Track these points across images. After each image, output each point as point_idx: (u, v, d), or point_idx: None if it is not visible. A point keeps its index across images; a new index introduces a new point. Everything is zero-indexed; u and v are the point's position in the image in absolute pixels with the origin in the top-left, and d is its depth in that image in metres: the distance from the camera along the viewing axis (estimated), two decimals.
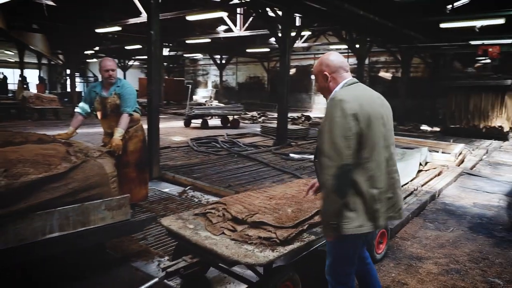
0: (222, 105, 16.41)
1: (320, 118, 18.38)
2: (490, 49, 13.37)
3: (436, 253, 3.91)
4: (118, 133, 4.06)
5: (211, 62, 26.78)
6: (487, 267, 3.67)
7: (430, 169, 7.47)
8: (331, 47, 18.77)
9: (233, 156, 8.25)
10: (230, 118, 14.76)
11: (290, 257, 2.83)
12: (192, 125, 14.24)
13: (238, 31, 15.68)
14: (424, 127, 15.44)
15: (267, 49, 20.87)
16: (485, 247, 4.13)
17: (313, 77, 24.24)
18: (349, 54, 14.44)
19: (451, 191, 6.34)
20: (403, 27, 11.99)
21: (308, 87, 24.56)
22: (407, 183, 6.31)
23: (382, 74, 21.41)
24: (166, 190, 5.79)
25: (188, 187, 5.88)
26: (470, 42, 14.12)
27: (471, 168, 8.08)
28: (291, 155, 8.51)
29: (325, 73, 2.22)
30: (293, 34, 9.88)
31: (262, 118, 17.03)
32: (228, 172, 6.78)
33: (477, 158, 9.33)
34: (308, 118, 16.11)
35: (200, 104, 18.97)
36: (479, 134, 13.55)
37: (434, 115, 19.19)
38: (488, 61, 16.01)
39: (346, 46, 18.21)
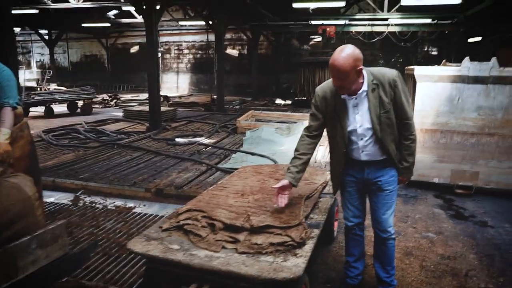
0: (64, 88, 14.04)
1: (180, 97, 17.79)
2: (328, 29, 15.07)
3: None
4: (4, 134, 2.90)
5: (35, 38, 22.57)
6: (414, 223, 4.12)
7: None
8: (182, 23, 18.07)
9: (112, 148, 7.14)
10: (79, 103, 12.82)
11: None
12: (31, 114, 11.81)
13: (76, 2, 13.52)
14: (278, 100, 16.53)
15: (107, 24, 18.69)
16: (400, 206, 4.62)
17: (159, 56, 23.12)
18: (208, 31, 14.10)
19: None
20: (259, 4, 12.33)
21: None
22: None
23: (229, 51, 21.86)
24: (51, 199, 4.59)
25: (80, 192, 4.80)
26: (311, 22, 15.56)
27: None
28: (177, 139, 7.90)
29: (360, 67, 2.26)
30: (157, 7, 9.02)
31: (115, 101, 15.37)
32: (119, 167, 5.82)
33: None
34: (167, 98, 15.29)
35: (33, 88, 15.85)
36: None
37: (279, 89, 20.80)
38: (319, 39, 18.02)
39: (195, 22, 17.82)
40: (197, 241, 2.29)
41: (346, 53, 2.22)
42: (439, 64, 5.88)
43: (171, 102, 14.91)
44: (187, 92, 22.17)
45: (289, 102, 16.24)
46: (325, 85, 2.52)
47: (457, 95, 4.87)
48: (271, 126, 8.58)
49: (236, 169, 5.67)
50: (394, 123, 2.44)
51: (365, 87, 2.35)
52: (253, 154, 6.68)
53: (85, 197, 4.68)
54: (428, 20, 14.75)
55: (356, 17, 15.53)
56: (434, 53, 19.84)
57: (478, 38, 15.75)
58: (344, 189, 2.69)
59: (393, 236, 2.67)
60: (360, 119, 2.41)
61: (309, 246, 2.26)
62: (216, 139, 8.20)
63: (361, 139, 2.44)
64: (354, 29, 16.06)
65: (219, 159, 6.45)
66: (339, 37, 17.54)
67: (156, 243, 2.29)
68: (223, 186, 3.14)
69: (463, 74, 4.78)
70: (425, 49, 19.96)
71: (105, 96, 15.88)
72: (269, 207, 2.64)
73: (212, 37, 20.45)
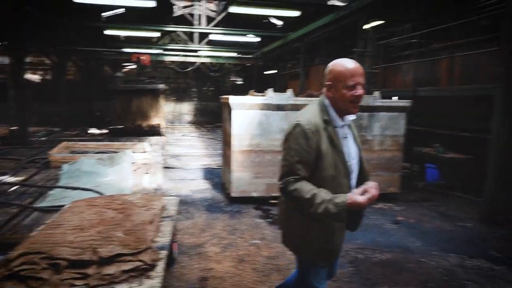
0: None
1: None
2: (143, 57, 15.20)
3: (206, 237, 4.52)
4: None
5: None
6: (242, 234, 4.66)
7: (137, 168, 7.93)
8: None
9: None
10: None
11: None
12: None
13: None
14: (92, 130, 15.51)
15: None
16: (228, 221, 5.13)
17: None
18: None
19: (167, 184, 7.11)
20: (68, 29, 11.54)
21: None
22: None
23: (29, 76, 19.33)
24: None
25: None
26: (124, 49, 15.39)
27: (165, 162, 9.21)
28: None
29: None
30: None
31: None
32: None
33: (159, 153, 10.62)
34: None
35: None
36: (143, 132, 15.19)
37: (92, 118, 19.52)
38: (134, 67, 18.01)
39: None
40: (39, 285, 2.12)
41: (352, 60, 2.00)
42: (244, 93, 6.84)
43: None
44: None
45: (105, 131, 15.45)
46: (311, 117, 2.01)
47: (265, 120, 5.79)
48: (91, 157, 8.08)
49: (58, 206, 5.20)
50: None
51: (353, 115, 2.07)
52: (74, 188, 6.17)
53: None
54: (234, 54, 16.64)
55: (169, 47, 16.22)
56: (240, 82, 22.37)
57: (273, 71, 18.64)
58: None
59: None
60: (352, 152, 2.08)
61: (160, 267, 2.40)
62: (25, 176, 7.18)
63: (353, 177, 2.09)
64: (168, 58, 16.67)
65: (34, 198, 5.72)
66: (153, 65, 17.87)
67: None
68: (57, 224, 2.92)
69: (268, 102, 5.74)
70: (232, 79, 22.29)
71: None
72: (114, 237, 2.63)
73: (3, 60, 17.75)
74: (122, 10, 12.92)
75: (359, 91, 1.92)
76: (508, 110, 5.11)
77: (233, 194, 5.88)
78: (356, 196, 1.82)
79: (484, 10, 6.97)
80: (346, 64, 1.95)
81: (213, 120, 21.47)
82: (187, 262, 3.81)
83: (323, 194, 1.87)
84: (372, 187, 1.85)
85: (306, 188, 1.90)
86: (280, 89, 5.97)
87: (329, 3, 8.58)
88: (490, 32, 6.51)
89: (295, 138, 1.96)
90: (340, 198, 1.84)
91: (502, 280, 3.65)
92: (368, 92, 8.47)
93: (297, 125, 1.97)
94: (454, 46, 7.01)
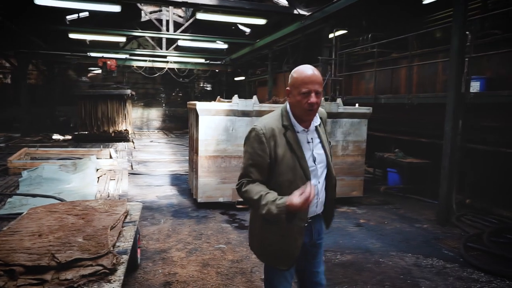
0: None
1: None
2: (109, 62, 14.93)
3: (171, 243, 4.51)
4: None
5: None
6: (208, 239, 4.68)
7: (102, 175, 7.79)
8: None
9: None
10: None
11: None
12: None
13: None
14: (56, 136, 15.04)
15: None
16: (194, 226, 5.15)
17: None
18: None
19: (133, 190, 7.02)
20: (29, 32, 11.19)
21: None
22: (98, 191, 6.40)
23: None
24: None
25: None
26: (90, 53, 15.07)
27: (131, 168, 9.08)
28: None
29: None
30: None
31: None
32: None
33: (125, 159, 10.46)
34: None
35: None
36: (109, 138, 14.92)
37: (55, 123, 18.93)
38: (99, 71, 17.66)
39: None
40: None
41: (311, 66, 1.97)
42: (213, 99, 6.90)
43: None
44: None
45: (69, 137, 15.04)
46: (269, 122, 2.02)
47: (231, 126, 5.86)
48: (54, 164, 7.87)
49: (16, 214, 5.05)
50: None
51: (317, 119, 2.08)
52: (34, 195, 6.01)
53: None
54: (202, 60, 16.64)
55: (137, 52, 16.02)
56: (209, 88, 22.36)
57: (242, 78, 18.78)
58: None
59: None
60: (317, 156, 2.05)
61: (121, 271, 2.40)
62: None
63: (319, 182, 2.06)
64: (135, 63, 16.47)
65: None
66: (120, 70, 17.58)
67: None
68: (14, 231, 2.86)
69: (234, 108, 5.82)
70: (201, 85, 22.25)
71: None
72: (74, 242, 2.61)
73: None
74: (86, 14, 12.66)
75: (312, 98, 1.90)
76: (457, 117, 5.44)
77: (199, 200, 5.90)
78: (294, 197, 1.79)
79: (438, 23, 7.37)
80: (303, 71, 1.94)
81: (182, 126, 21.31)
82: (151, 268, 3.80)
83: (269, 196, 1.87)
84: (309, 189, 1.81)
85: (256, 189, 1.92)
86: (249, 95, 6.07)
87: (295, 12, 8.79)
88: (444, 44, 6.90)
89: (250, 142, 1.98)
90: (281, 200, 1.84)
91: (452, 277, 3.87)
92: (332, 99, 8.75)
93: (252, 130, 1.99)
94: (412, 56, 7.36)
